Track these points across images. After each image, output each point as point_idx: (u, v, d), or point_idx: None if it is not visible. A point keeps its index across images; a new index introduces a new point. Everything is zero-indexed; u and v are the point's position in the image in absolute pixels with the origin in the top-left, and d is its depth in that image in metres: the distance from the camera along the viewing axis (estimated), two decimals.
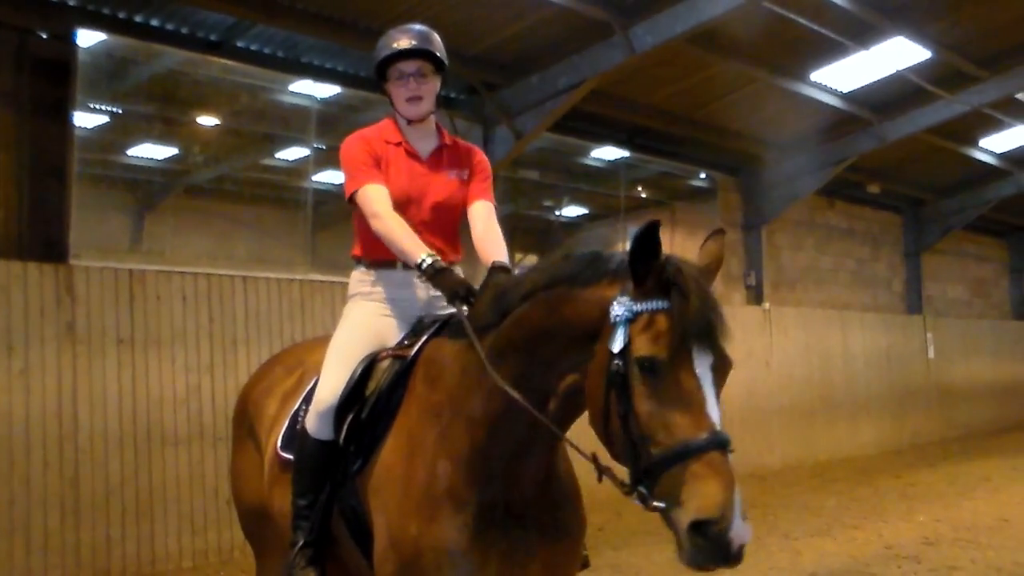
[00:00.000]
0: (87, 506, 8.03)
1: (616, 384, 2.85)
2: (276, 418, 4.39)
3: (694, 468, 2.69)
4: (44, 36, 8.94)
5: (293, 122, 12.02)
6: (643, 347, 2.82)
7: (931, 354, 20.20)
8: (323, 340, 4.39)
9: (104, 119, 10.85)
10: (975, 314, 23.74)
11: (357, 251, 4.17)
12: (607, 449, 2.99)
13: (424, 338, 3.76)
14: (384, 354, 3.85)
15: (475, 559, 3.29)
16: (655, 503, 2.75)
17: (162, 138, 11.54)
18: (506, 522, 3.36)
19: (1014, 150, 18.63)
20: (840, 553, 9.10)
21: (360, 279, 4.15)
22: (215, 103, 11.50)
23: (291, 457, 4.00)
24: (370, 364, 3.84)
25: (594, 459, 3.13)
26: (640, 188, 17.92)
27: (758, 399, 14.96)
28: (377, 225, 3.89)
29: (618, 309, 2.90)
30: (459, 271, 4.05)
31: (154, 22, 10.05)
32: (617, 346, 2.86)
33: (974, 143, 18.05)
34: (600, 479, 3.14)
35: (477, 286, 3.64)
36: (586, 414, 3.14)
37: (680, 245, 15.87)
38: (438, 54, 4.07)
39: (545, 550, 3.43)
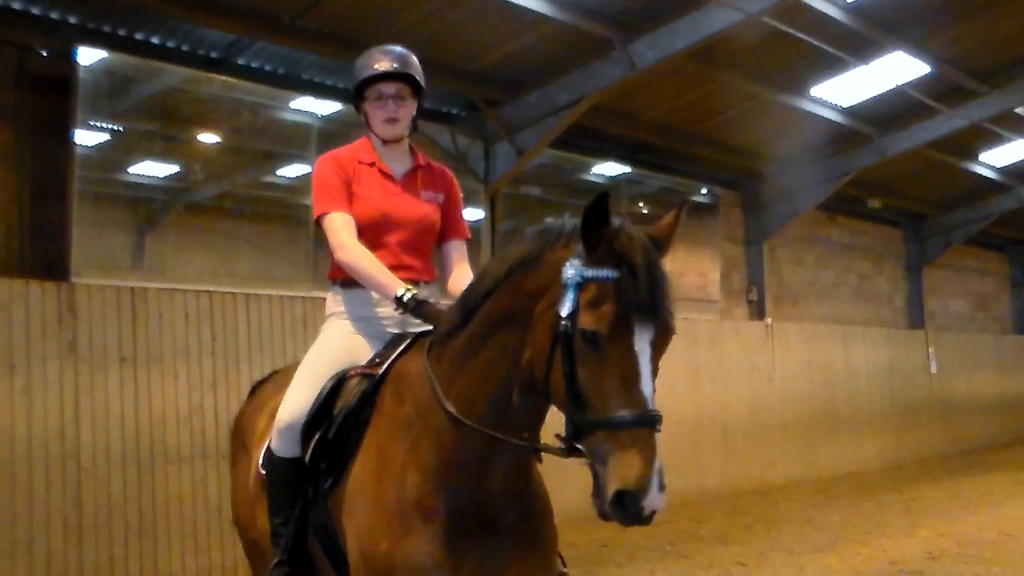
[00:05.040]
0: (89, 525, 7.98)
1: (562, 344, 2.97)
2: (263, 434, 4.38)
3: (622, 439, 2.86)
4: (45, 54, 8.97)
5: (294, 139, 12.03)
6: (587, 318, 2.93)
7: (933, 369, 20.16)
8: None
9: (105, 137, 10.81)
10: (977, 328, 23.74)
11: (332, 273, 4.17)
12: (550, 402, 3.18)
13: (395, 355, 3.76)
14: (353, 372, 3.84)
15: (448, 572, 3.28)
16: (586, 460, 2.94)
17: (163, 156, 11.50)
18: (478, 532, 3.35)
19: (1014, 164, 18.71)
20: (844, 569, 9.07)
21: (335, 299, 4.15)
22: (216, 120, 11.48)
23: None
24: (339, 382, 3.83)
25: (528, 439, 3.33)
26: (642, 204, 17.90)
27: (761, 414, 14.94)
28: (343, 256, 3.92)
29: (569, 271, 3.00)
30: (433, 292, 4.08)
31: (155, 40, 10.08)
32: (565, 309, 2.97)
33: (974, 157, 18.11)
34: (540, 459, 3.46)
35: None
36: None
37: (682, 261, 15.89)
38: (417, 77, 4.12)
39: (518, 561, 3.42)
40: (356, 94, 4.16)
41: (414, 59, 4.14)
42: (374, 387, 3.69)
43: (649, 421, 2.89)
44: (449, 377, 3.41)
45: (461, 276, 4.21)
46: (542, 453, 3.42)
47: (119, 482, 8.16)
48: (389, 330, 4.02)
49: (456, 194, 4.34)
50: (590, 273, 2.97)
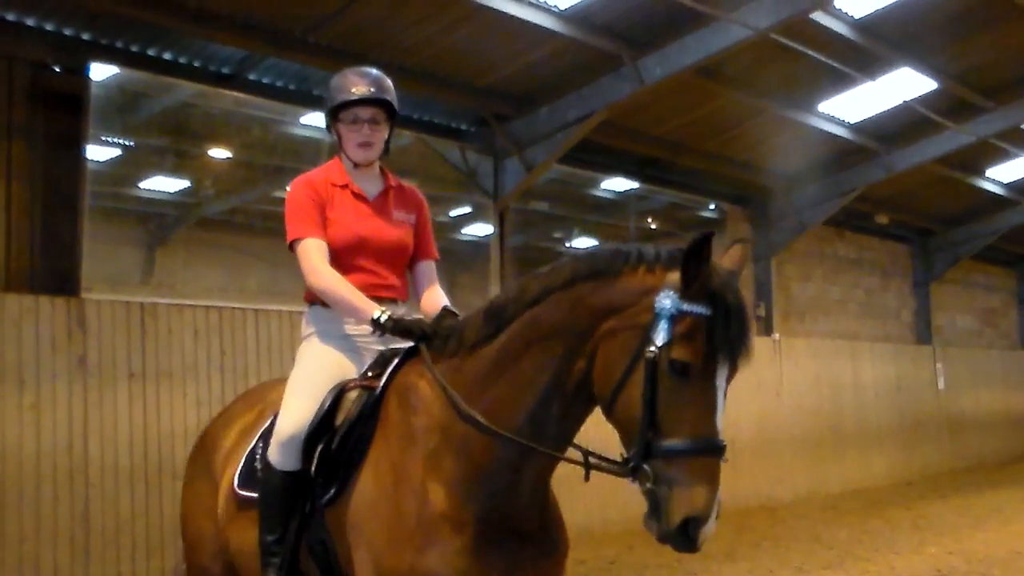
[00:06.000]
0: (97, 542, 7.98)
1: (647, 370, 3.06)
2: (232, 451, 4.38)
3: (693, 467, 3.02)
4: (57, 70, 9.00)
5: (304, 154, 12.06)
6: (681, 350, 3.06)
7: (941, 384, 20.12)
8: (284, 380, 4.41)
9: (116, 152, 10.89)
10: (984, 344, 23.66)
11: (309, 295, 4.16)
12: (609, 418, 3.24)
13: (391, 368, 3.77)
14: (352, 384, 3.85)
15: None
16: (648, 484, 3.06)
17: (174, 171, 11.57)
18: (503, 541, 3.39)
19: (1021, 180, 18.67)
20: None
21: (315, 318, 4.14)
22: (227, 136, 11.53)
23: (250, 495, 4.00)
24: (338, 395, 3.83)
25: (585, 455, 3.39)
26: (650, 219, 17.94)
27: (768, 430, 14.90)
28: (315, 282, 3.95)
29: (665, 302, 3.10)
30: (409, 312, 4.10)
31: (167, 55, 10.11)
32: (660, 339, 3.07)
33: (981, 173, 18.09)
34: (587, 477, 3.41)
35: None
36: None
37: None
38: (393, 103, 4.15)
39: (537, 567, 3.49)
40: (330, 115, 4.18)
41: (389, 83, 4.16)
42: (376, 400, 3.69)
43: (721, 450, 3.08)
44: (475, 387, 3.44)
45: (434, 296, 4.25)
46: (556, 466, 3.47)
47: (127, 498, 8.16)
48: (372, 347, 4.02)
49: (426, 215, 4.38)
50: (686, 307, 3.08)
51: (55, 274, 8.70)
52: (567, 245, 20.34)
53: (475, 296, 3.91)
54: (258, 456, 4.05)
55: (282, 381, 4.62)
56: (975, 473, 19.33)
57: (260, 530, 3.81)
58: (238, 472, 4.15)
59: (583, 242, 20.60)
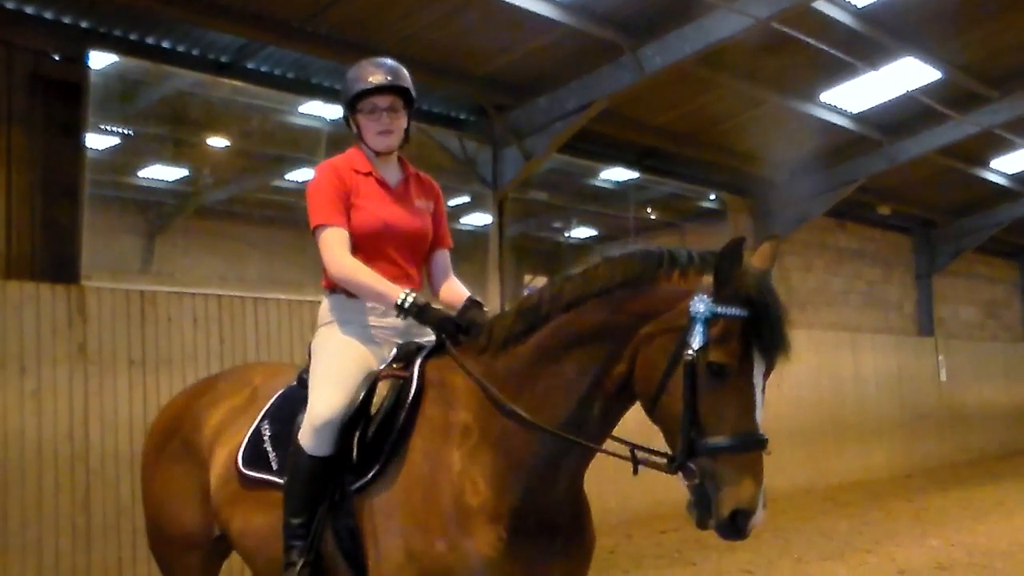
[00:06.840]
0: (98, 528, 8.01)
1: (686, 373, 3.16)
2: (221, 430, 4.38)
3: (739, 462, 3.13)
4: (57, 58, 9.00)
5: (303, 143, 12.04)
6: (717, 352, 3.15)
7: (943, 376, 20.11)
8: (262, 363, 4.36)
9: (115, 140, 10.88)
10: (987, 336, 23.64)
11: (328, 283, 4.15)
12: (652, 417, 3.35)
13: (419, 360, 3.79)
14: (384, 373, 3.86)
15: (504, 570, 3.39)
16: (695, 480, 3.16)
17: (173, 159, 11.56)
18: (536, 532, 3.47)
19: None
20: None
21: (337, 306, 4.12)
22: (226, 124, 11.53)
23: (259, 475, 4.04)
24: (371, 384, 3.85)
25: (632, 450, 3.48)
26: (650, 209, 17.89)
27: (768, 422, 14.57)
28: (337, 271, 3.95)
29: (699, 306, 3.20)
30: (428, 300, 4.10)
31: (165, 44, 10.10)
32: (697, 342, 3.16)
33: (985, 164, 18.02)
34: (636, 471, 3.52)
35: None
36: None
37: None
38: (411, 90, 4.16)
39: (566, 558, 3.58)
40: (348, 106, 4.19)
41: (405, 72, 4.18)
42: (414, 392, 3.71)
43: (763, 444, 3.21)
44: (511, 384, 3.51)
45: (454, 286, 4.32)
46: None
47: (128, 484, 8.17)
48: (391, 339, 4.03)
49: (442, 204, 4.40)
50: (720, 310, 3.18)
51: (55, 261, 8.71)
52: (566, 235, 20.31)
53: (473, 286, 3.92)
54: (266, 437, 4.08)
55: (258, 364, 4.61)
56: (977, 466, 19.34)
57: (285, 512, 3.81)
58: (241, 452, 4.15)
59: (582, 232, 20.58)
